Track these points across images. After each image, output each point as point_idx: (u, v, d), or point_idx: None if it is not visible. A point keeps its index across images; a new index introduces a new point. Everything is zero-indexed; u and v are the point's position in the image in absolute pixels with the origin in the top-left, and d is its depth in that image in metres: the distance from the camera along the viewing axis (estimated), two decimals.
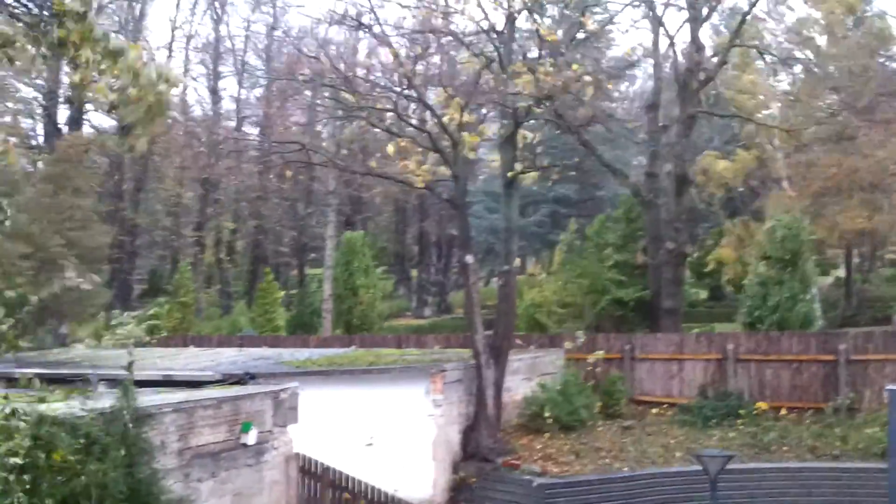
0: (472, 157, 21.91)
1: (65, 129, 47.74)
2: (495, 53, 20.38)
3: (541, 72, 18.62)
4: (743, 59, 34.30)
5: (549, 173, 22.73)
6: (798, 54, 32.83)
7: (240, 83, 59.40)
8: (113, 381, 12.16)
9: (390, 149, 20.64)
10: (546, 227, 45.46)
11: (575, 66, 19.43)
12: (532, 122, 21.00)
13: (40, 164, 38.15)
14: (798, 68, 33.60)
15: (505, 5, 20.28)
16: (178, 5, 74.32)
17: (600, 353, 23.05)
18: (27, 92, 48.67)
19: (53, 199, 29.87)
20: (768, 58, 33.49)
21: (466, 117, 19.55)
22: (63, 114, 50.56)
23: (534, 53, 21.64)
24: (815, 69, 31.21)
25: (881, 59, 33.08)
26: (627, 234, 33.10)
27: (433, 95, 22.76)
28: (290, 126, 44.18)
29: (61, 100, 48.99)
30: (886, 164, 26.77)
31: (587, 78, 19.57)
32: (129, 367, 10.13)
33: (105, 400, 10.35)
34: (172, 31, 56.73)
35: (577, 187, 46.65)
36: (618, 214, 34.24)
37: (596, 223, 34.94)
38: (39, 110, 50.92)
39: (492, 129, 23.89)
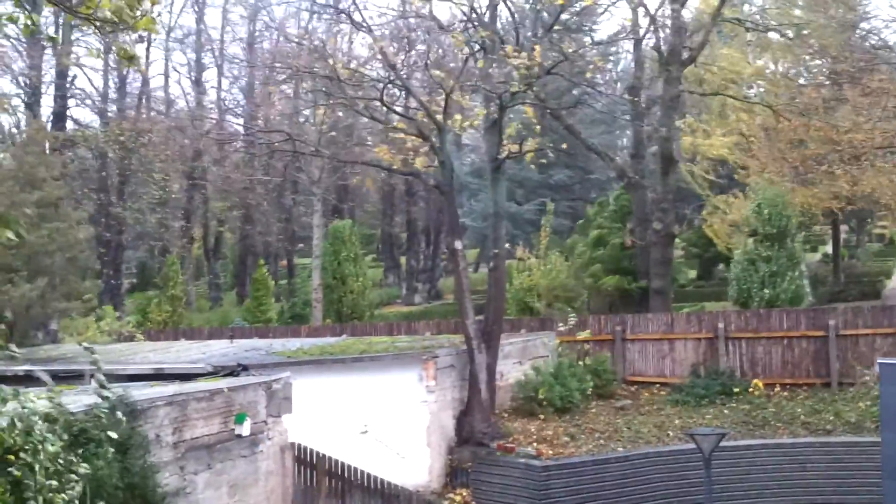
0: (460, 134, 21.82)
1: (48, 124, 47.42)
2: (479, 39, 20.35)
3: (536, 53, 18.54)
4: (728, 33, 34.23)
5: (539, 158, 22.64)
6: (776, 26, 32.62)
7: (220, 74, 59.22)
8: (105, 376, 12.10)
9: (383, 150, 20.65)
10: (534, 213, 45.50)
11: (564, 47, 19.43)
12: (517, 106, 20.92)
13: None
14: (778, 43, 33.43)
15: None
16: None
17: (586, 333, 23.12)
18: (9, 88, 48.44)
19: (23, 192, 29.28)
20: (751, 33, 33.36)
21: (458, 98, 19.43)
22: (46, 110, 50.25)
23: (520, 38, 21.58)
24: (791, 38, 31.03)
25: (860, 32, 33.06)
26: (619, 219, 33.16)
27: (417, 82, 22.75)
28: (274, 116, 44.09)
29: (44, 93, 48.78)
30: (872, 134, 26.83)
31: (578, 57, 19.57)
32: (93, 358, 10.05)
33: (97, 395, 10.31)
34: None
35: (569, 172, 46.67)
36: (610, 199, 34.25)
37: (593, 209, 34.96)
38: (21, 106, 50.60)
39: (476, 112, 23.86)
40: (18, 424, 7.79)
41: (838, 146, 28.02)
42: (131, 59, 7.04)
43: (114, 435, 9.36)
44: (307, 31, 45.59)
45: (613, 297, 32.16)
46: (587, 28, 45.92)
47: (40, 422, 8.01)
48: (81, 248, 29.86)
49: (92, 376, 12.50)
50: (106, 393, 9.98)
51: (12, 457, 7.70)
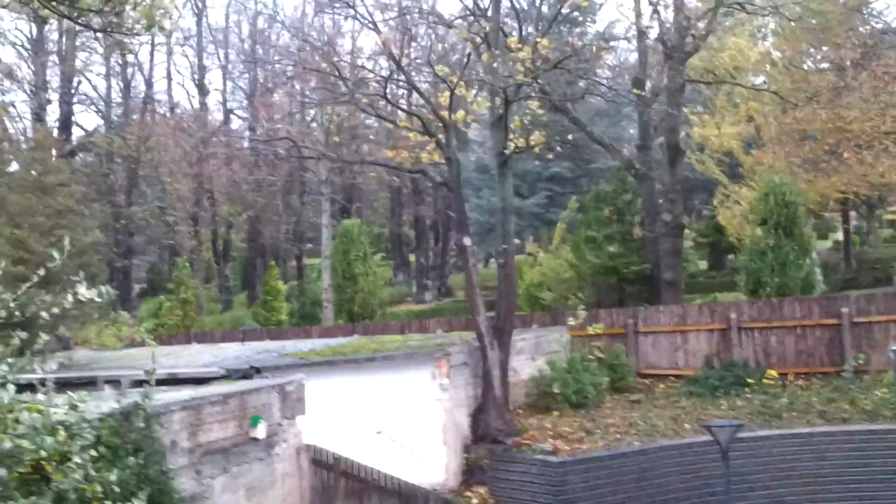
0: (465, 130, 21.71)
1: (55, 131, 47.54)
2: (482, 34, 20.26)
3: (542, 44, 18.44)
4: (737, 21, 33.99)
5: (544, 152, 22.53)
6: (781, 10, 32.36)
7: (224, 77, 59.20)
8: (118, 383, 12.07)
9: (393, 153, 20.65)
10: (543, 207, 45.28)
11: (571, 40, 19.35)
12: (523, 100, 20.82)
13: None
14: (784, 29, 33.17)
15: None
16: None
17: (599, 327, 23.07)
18: (18, 95, 48.67)
19: (30, 199, 29.21)
20: (758, 20, 33.12)
21: (461, 91, 19.32)
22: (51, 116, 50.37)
23: (522, 32, 21.49)
24: (794, 20, 30.75)
25: (865, 15, 32.84)
26: (621, 208, 32.90)
27: (420, 78, 22.68)
28: (280, 117, 44.08)
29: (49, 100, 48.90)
30: (883, 119, 26.67)
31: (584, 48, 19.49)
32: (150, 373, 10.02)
33: (112, 402, 10.26)
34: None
35: (571, 164, 46.40)
36: (607, 190, 34.00)
37: (590, 198, 34.71)
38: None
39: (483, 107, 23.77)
40: (48, 440, 7.73)
41: (848, 134, 27.82)
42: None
43: (148, 449, 9.35)
44: (312, 24, 45.53)
45: (622, 290, 31.97)
46: (588, 20, 45.70)
47: (67, 432, 7.97)
48: (90, 254, 29.79)
49: (106, 383, 12.46)
50: (145, 401, 9.87)
51: (48, 466, 7.66)
